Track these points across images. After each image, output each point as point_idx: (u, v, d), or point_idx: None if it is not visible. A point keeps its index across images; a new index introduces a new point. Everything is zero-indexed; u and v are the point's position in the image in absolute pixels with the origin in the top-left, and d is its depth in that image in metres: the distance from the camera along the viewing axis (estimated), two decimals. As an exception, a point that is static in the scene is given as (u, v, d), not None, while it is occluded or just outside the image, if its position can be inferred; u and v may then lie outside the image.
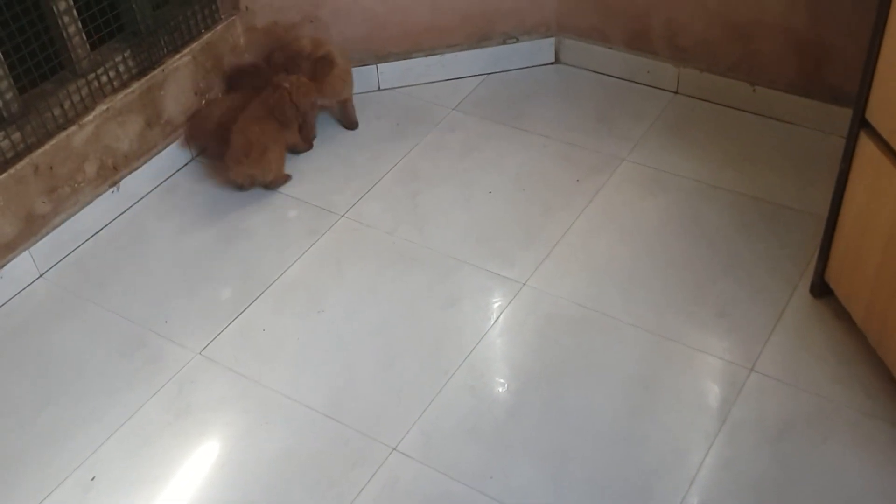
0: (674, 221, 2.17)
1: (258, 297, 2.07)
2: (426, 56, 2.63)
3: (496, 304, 2.03)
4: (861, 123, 1.67)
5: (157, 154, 2.37)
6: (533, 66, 2.69)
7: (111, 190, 2.28)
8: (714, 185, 2.25)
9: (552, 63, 2.69)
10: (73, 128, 2.15)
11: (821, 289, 1.93)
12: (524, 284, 2.06)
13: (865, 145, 1.66)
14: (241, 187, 2.34)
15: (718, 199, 2.22)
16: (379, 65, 2.60)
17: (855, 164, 1.71)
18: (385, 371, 1.90)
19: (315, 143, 2.48)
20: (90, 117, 2.18)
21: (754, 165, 2.29)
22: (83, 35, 2.18)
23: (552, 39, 2.65)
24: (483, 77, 2.67)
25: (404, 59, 2.62)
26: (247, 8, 2.46)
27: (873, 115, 1.63)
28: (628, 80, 2.59)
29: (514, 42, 2.65)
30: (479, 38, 2.63)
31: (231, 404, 1.86)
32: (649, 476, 1.68)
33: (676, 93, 2.53)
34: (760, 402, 1.78)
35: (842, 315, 1.88)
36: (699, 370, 1.85)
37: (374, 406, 1.83)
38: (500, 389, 1.86)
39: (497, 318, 1.99)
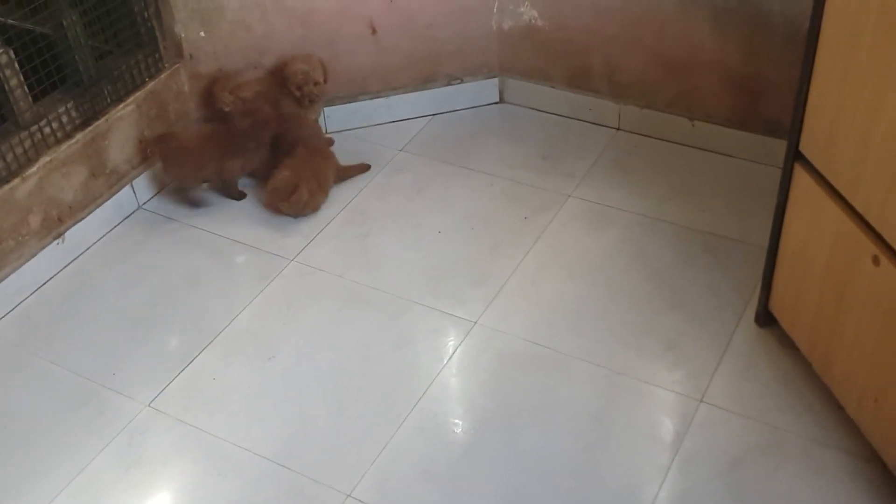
0: (620, 256, 2.21)
1: (207, 346, 2.05)
2: (372, 98, 2.65)
3: (448, 344, 2.03)
4: (795, 156, 1.72)
5: (102, 204, 2.35)
6: (478, 107, 2.73)
7: (56, 242, 2.25)
8: (658, 218, 2.29)
9: (497, 103, 2.73)
10: (17, 181, 2.13)
11: (765, 318, 1.97)
12: (475, 323, 2.07)
13: (800, 177, 1.71)
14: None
15: (662, 232, 2.26)
16: (325, 108, 2.62)
17: (791, 195, 1.76)
18: (338, 416, 1.89)
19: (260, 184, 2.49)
20: (33, 169, 2.16)
21: (696, 198, 2.34)
22: (25, 87, 2.16)
23: (496, 80, 2.70)
24: (429, 118, 2.70)
25: (351, 101, 2.64)
26: (191, 56, 2.46)
27: (807, 147, 1.68)
28: (571, 118, 2.64)
29: (459, 83, 2.68)
30: (424, 80, 2.66)
31: (182, 455, 1.83)
32: (605, 512, 1.69)
33: (618, 129, 2.58)
34: (711, 432, 1.80)
35: (787, 343, 1.92)
36: (650, 403, 1.87)
37: (327, 452, 1.82)
38: (454, 430, 1.85)
39: (449, 359, 2.00)
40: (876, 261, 1.54)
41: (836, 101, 1.56)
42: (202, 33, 2.44)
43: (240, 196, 2.45)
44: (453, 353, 2.01)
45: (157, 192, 2.48)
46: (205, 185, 2.46)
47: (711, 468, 1.74)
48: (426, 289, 2.16)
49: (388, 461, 1.79)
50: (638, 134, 2.56)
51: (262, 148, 2.41)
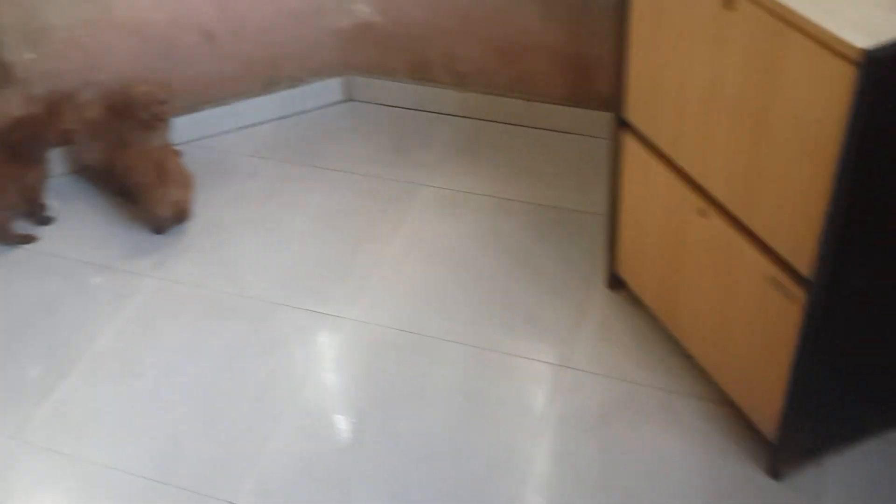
0: (476, 238, 2.28)
1: (70, 372, 1.99)
2: (216, 107, 2.62)
3: (318, 341, 2.05)
4: (621, 124, 1.82)
5: (-62, 240, 2.24)
6: (325, 106, 2.74)
7: None
8: (508, 198, 2.38)
9: (344, 101, 2.76)
10: None
11: (615, 281, 2.08)
12: (343, 318, 2.09)
13: (628, 143, 1.82)
14: None
15: (514, 211, 2.34)
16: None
17: (622, 161, 1.87)
18: (212, 426, 1.87)
19: (113, 203, 2.42)
20: None
21: (542, 175, 2.44)
22: None
23: (340, 78, 2.72)
24: (277, 121, 2.70)
25: (194, 111, 2.60)
26: (22, 79, 2.37)
27: (631, 114, 1.78)
28: (418, 110, 2.69)
29: (303, 84, 2.70)
30: (267, 84, 2.65)
31: (53, 485, 1.78)
32: (485, 484, 1.74)
33: (463, 116, 2.66)
34: (577, 395, 1.89)
35: (637, 303, 2.04)
36: (517, 374, 1.95)
37: (204, 463, 1.80)
38: (333, 426, 1.88)
39: (321, 356, 2.01)
40: (702, 212, 1.66)
41: (650, 68, 1.67)
42: (32, 55, 2.36)
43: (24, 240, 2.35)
44: (324, 350, 2.02)
45: (-2, 223, 2.38)
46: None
47: (581, 429, 1.83)
48: (290, 290, 2.17)
49: (269, 464, 1.80)
50: (482, 119, 2.64)
51: (44, 160, 2.35)
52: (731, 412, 1.80)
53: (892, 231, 1.41)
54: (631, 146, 1.82)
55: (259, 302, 2.14)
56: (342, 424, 1.87)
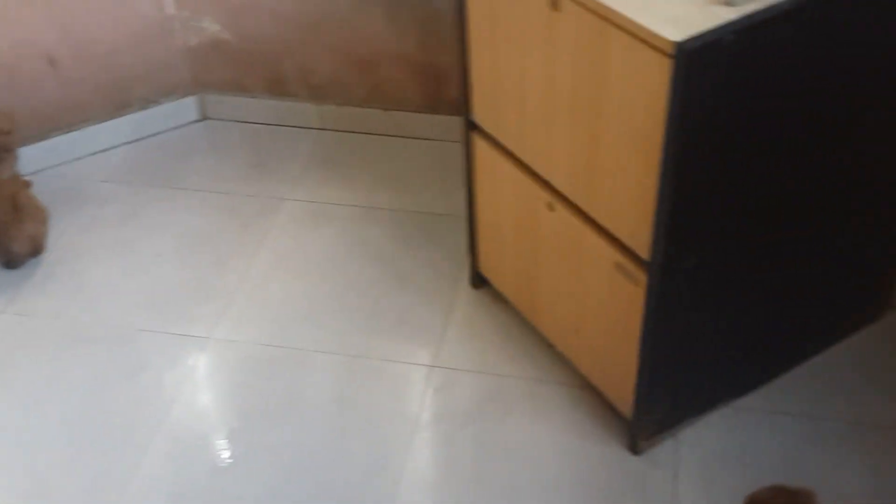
0: (342, 248, 2.29)
1: (-81, 420, 1.90)
2: (66, 133, 2.55)
3: (184, 364, 2.01)
4: (471, 126, 1.88)
5: None
6: (180, 126, 2.70)
7: None
8: (371, 207, 2.40)
9: (199, 120, 2.72)
10: None
11: (478, 280, 2.13)
12: (209, 339, 2.07)
13: (478, 144, 1.88)
14: None
15: (378, 219, 2.37)
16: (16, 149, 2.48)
17: (474, 162, 1.92)
18: (78, 460, 1.82)
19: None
20: None
21: (403, 183, 2.48)
22: None
23: (194, 97, 2.69)
24: (131, 144, 2.64)
25: (42, 140, 2.52)
26: None
27: (478, 116, 1.84)
28: (276, 125, 2.69)
29: (156, 105, 2.65)
30: (118, 107, 2.60)
31: None
32: (361, 489, 1.75)
33: (322, 129, 2.67)
34: (448, 394, 1.93)
35: (500, 299, 2.09)
36: (389, 378, 1.97)
37: (73, 499, 1.75)
38: (205, 447, 1.85)
39: (188, 379, 1.98)
40: (550, 206, 1.72)
41: (491, 70, 1.73)
42: None
43: None
44: (190, 373, 2.00)
45: None
46: None
47: (453, 426, 1.86)
48: (153, 314, 2.13)
49: (139, 492, 1.76)
50: (341, 131, 2.66)
51: None
52: (592, 395, 1.87)
53: (716, 212, 1.51)
54: (481, 147, 1.87)
55: (120, 329, 2.09)
56: (213, 446, 1.85)
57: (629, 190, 1.50)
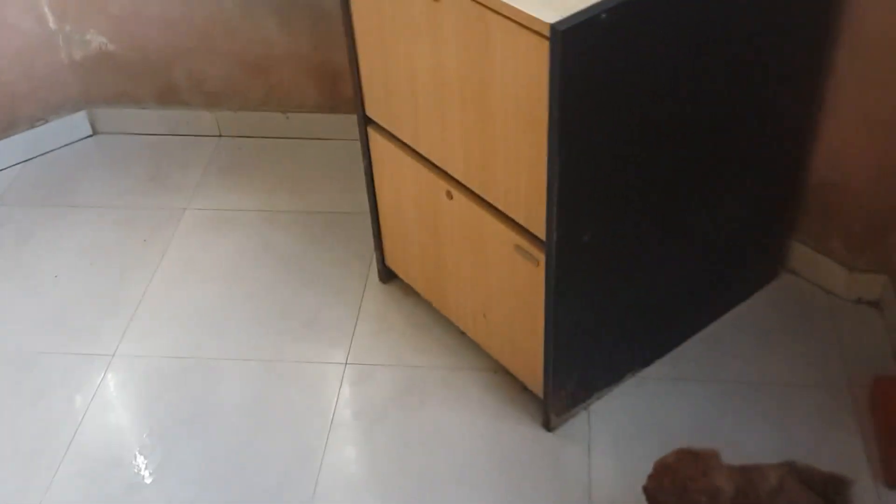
0: (247, 254, 2.27)
1: None
2: (-50, 157, 2.47)
3: (90, 383, 1.96)
4: (366, 121, 1.88)
5: None
6: (72, 143, 2.63)
7: None
8: (275, 210, 2.38)
9: (91, 136, 2.66)
10: None
11: (386, 274, 2.14)
12: (114, 355, 2.02)
13: (375, 139, 1.88)
14: None
15: (283, 222, 2.35)
16: None
17: (373, 157, 1.92)
18: (-18, 490, 1.76)
19: None
20: None
21: (307, 184, 2.46)
22: None
23: (83, 112, 2.62)
24: (21, 165, 2.56)
25: (-75, 166, 2.44)
26: None
27: (372, 111, 1.84)
28: (171, 135, 2.64)
29: (44, 123, 2.58)
30: (5, 127, 2.52)
31: None
32: (279, 492, 1.74)
33: (220, 136, 2.64)
34: (361, 389, 1.93)
35: (409, 291, 2.10)
36: (302, 379, 1.96)
37: (-22, 530, 1.70)
38: (114, 466, 1.81)
39: (94, 397, 1.94)
40: (449, 195, 1.74)
41: (380, 64, 1.74)
42: None
43: None
44: (96, 391, 1.95)
45: None
46: None
47: (369, 420, 1.86)
48: (54, 335, 2.07)
49: (50, 517, 1.72)
50: (239, 137, 2.63)
51: None
52: (504, 378, 1.90)
53: (606, 186, 1.54)
54: (378, 142, 1.88)
55: (19, 353, 2.03)
56: (127, 463, 1.81)
57: (521, 171, 1.53)
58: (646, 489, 1.43)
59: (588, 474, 1.72)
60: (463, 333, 1.98)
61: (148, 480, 1.78)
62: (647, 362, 1.89)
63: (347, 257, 2.24)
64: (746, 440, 1.74)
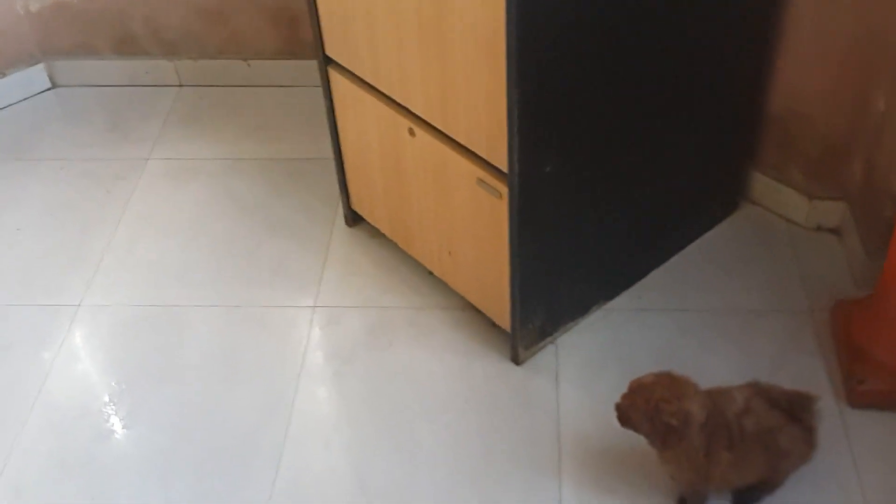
0: (211, 202, 2.25)
1: None
2: None
3: (55, 334, 1.95)
4: (326, 61, 1.86)
5: None
6: (30, 97, 2.59)
7: None
8: (238, 158, 2.36)
9: (50, 89, 2.61)
10: None
11: (353, 218, 2.13)
12: (79, 306, 2.01)
13: (336, 80, 1.86)
14: None
15: (246, 170, 2.33)
16: None
17: (335, 98, 1.91)
18: (-49, 442, 1.75)
19: None
20: None
21: (270, 131, 2.44)
22: None
23: (41, 65, 2.57)
24: (-22, 121, 2.52)
25: None
26: None
27: (332, 50, 1.82)
28: (131, 86, 2.60)
29: (2, 77, 2.53)
30: (-41, 82, 2.47)
31: None
32: (252, 437, 1.74)
33: (181, 85, 2.60)
34: (331, 332, 1.93)
35: (376, 234, 2.10)
36: (270, 325, 1.96)
37: (-52, 481, 1.69)
38: (83, 416, 1.80)
39: (62, 349, 1.92)
40: (411, 132, 1.73)
41: (338, 1, 1.71)
42: None
43: None
44: (65, 342, 1.94)
45: None
46: None
47: (339, 362, 1.87)
48: (19, 289, 2.05)
49: (18, 465, 1.71)
50: (200, 86, 2.59)
51: None
52: (472, 315, 1.91)
53: (566, 115, 1.54)
54: (339, 82, 1.86)
55: (-15, 307, 2.01)
56: (96, 413, 1.81)
57: (481, 104, 1.52)
58: (618, 406, 1.45)
59: (556, 405, 1.74)
60: (430, 273, 1.98)
61: (118, 429, 1.78)
62: (612, 294, 1.91)
63: (313, 203, 2.23)
64: (711, 366, 1.76)
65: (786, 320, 1.85)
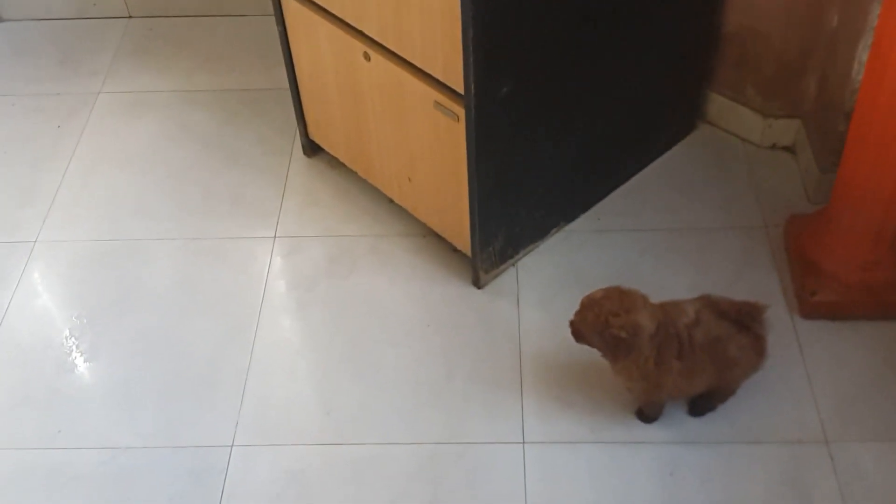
0: (165, 135, 2.21)
1: None
2: None
3: (13, 270, 1.93)
4: (278, -15, 1.83)
5: None
6: (-26, 32, 2.52)
7: None
8: (191, 90, 2.32)
9: (-4, 23, 2.55)
10: None
11: (311, 147, 2.11)
12: (35, 241, 1.98)
13: (288, 4, 1.83)
14: None
15: (200, 102, 2.29)
16: None
17: (287, 24, 1.87)
18: (-90, 380, 1.74)
19: None
20: None
21: (222, 62, 2.40)
22: None
23: (-17, -2, 2.50)
24: (-80, 57, 2.44)
25: None
26: None
27: (283, -26, 1.79)
28: (79, 18, 2.53)
29: (-59, 11, 2.45)
30: None
31: None
32: (215, 366, 1.75)
33: (130, 17, 2.53)
34: (291, 261, 1.93)
35: (335, 163, 2.08)
36: (229, 256, 1.95)
37: None
38: (44, 351, 1.79)
39: (19, 285, 1.90)
40: (366, 56, 1.71)
41: (286, -79, 1.68)
42: None
43: None
44: (22, 279, 1.92)
45: None
46: None
47: (299, 290, 1.87)
48: (-29, 227, 2.02)
49: (-18, 402, 1.71)
50: (150, 17, 2.53)
51: None
52: (433, 240, 1.91)
53: (522, 35, 1.53)
54: (291, 8, 1.83)
55: (-63, 245, 1.98)
56: (57, 347, 1.80)
57: (436, 24, 1.51)
58: (572, 323, 1.48)
59: (517, 326, 1.76)
60: (390, 201, 1.98)
61: (80, 362, 1.77)
62: (571, 217, 1.92)
63: (270, 133, 2.20)
64: (669, 283, 1.79)
65: (741, 237, 1.88)
